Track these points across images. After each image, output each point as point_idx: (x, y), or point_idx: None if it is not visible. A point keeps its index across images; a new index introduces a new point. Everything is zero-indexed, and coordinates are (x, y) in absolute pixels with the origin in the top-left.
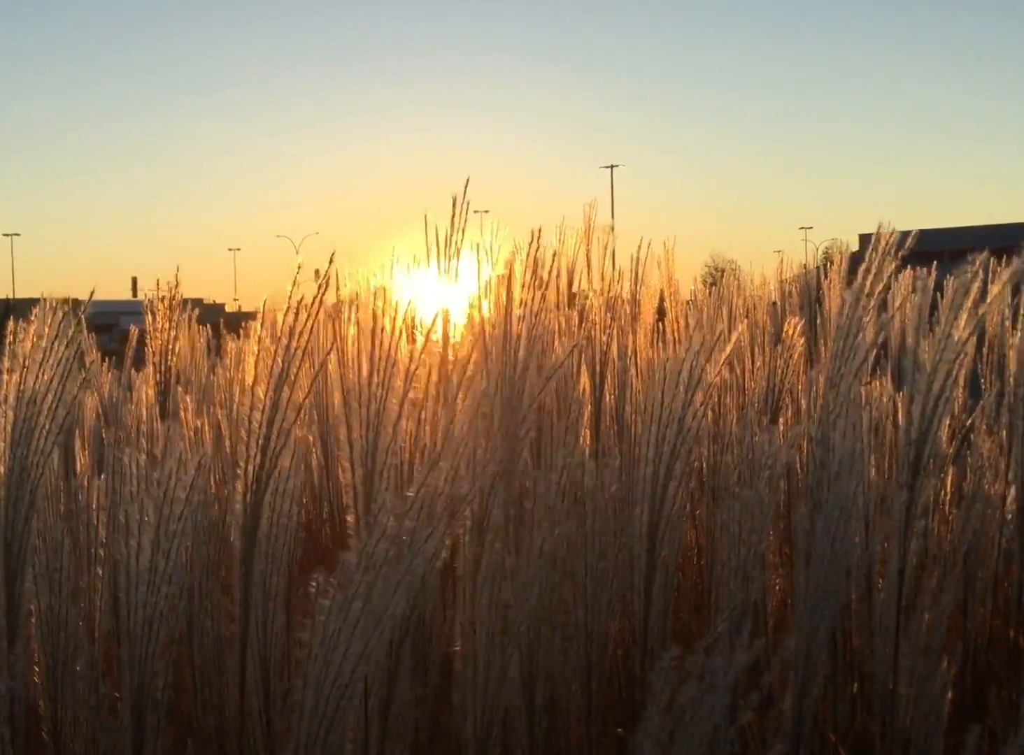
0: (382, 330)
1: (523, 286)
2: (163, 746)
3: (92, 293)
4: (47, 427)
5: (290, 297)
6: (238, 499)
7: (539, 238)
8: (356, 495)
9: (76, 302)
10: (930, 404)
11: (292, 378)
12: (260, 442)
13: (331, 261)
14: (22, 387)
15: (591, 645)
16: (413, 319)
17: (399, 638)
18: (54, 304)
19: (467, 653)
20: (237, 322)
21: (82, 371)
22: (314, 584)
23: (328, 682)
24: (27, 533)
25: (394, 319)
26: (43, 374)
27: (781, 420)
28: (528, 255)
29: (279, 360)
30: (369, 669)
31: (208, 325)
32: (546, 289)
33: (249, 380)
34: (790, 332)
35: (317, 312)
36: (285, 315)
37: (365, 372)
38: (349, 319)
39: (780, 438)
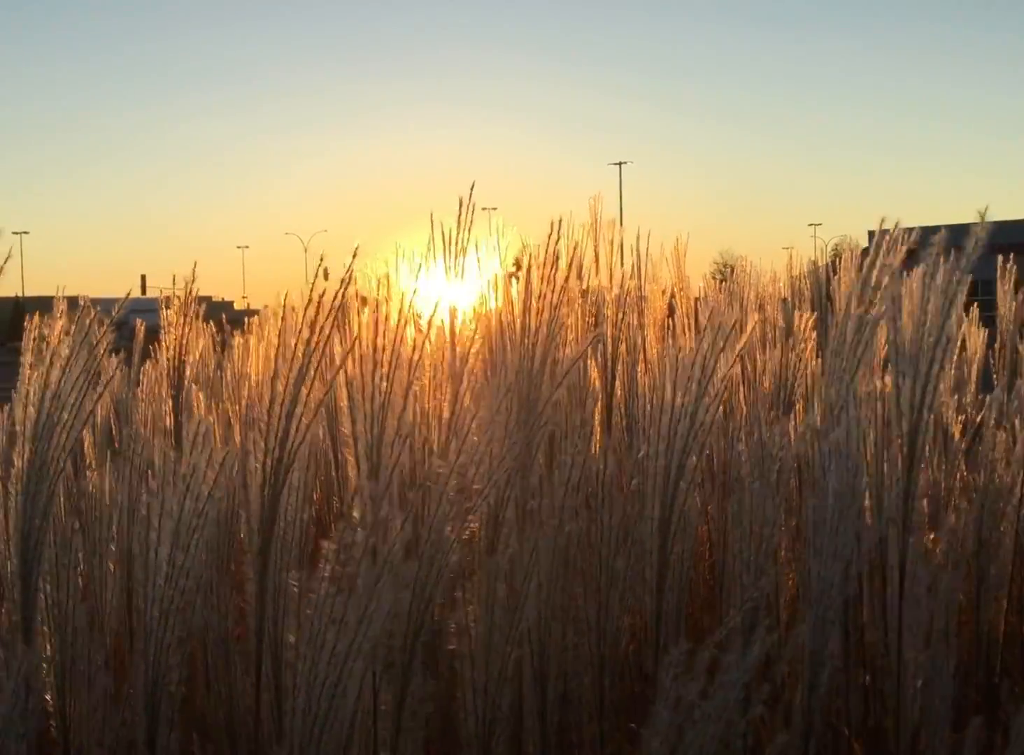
0: (385, 320)
1: (541, 279)
2: (176, 739)
3: (129, 293)
4: (69, 423)
5: (311, 292)
6: (255, 494)
7: (558, 230)
8: (363, 490)
9: (96, 301)
10: (918, 394)
11: (312, 373)
12: (279, 436)
13: (354, 255)
14: (45, 383)
15: (603, 641)
16: (416, 311)
17: (413, 632)
18: (84, 303)
19: (468, 651)
20: (240, 319)
21: (103, 368)
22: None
23: (318, 681)
24: (44, 528)
25: (399, 310)
26: (67, 371)
27: (792, 415)
28: (548, 247)
29: (299, 354)
30: (378, 666)
31: (211, 322)
32: (566, 281)
33: (268, 375)
34: (802, 326)
35: (339, 307)
36: (305, 310)
37: (368, 365)
38: (356, 314)
39: (791, 431)
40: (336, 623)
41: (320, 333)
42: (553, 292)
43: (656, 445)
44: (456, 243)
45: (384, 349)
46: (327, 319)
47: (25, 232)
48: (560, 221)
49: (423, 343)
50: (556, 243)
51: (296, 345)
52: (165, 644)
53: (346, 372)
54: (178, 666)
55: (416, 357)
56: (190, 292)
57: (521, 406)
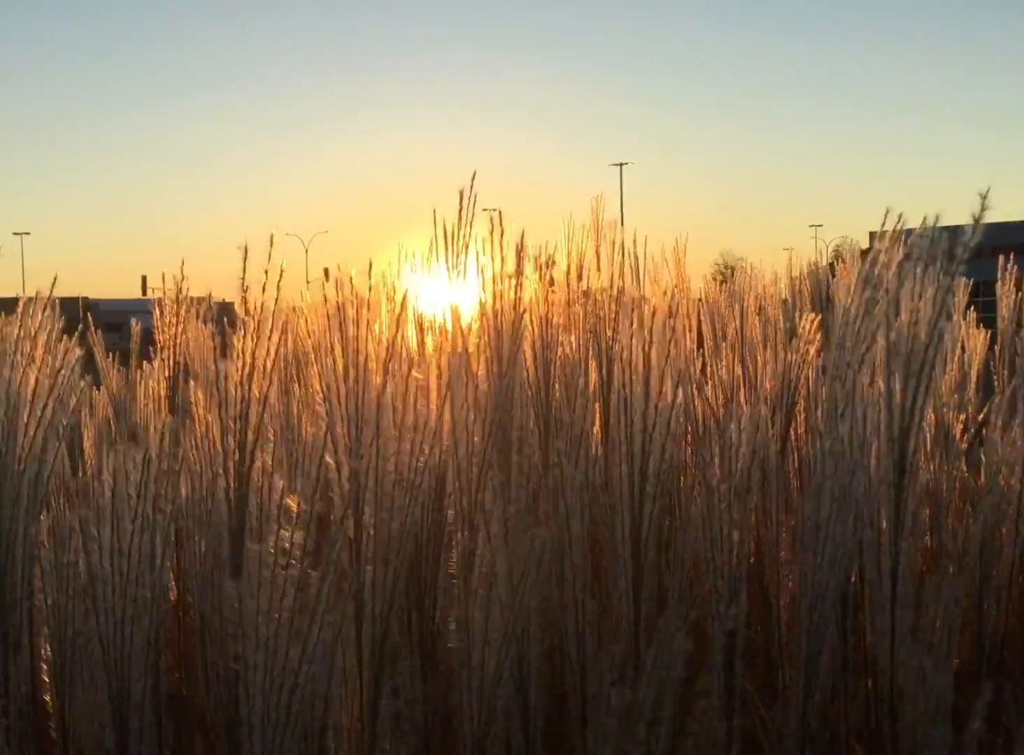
0: (353, 321)
1: (495, 278)
2: (171, 743)
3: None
4: (48, 421)
5: (245, 294)
6: (221, 497)
7: (500, 223)
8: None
9: (88, 301)
10: (909, 397)
11: (261, 371)
12: (237, 438)
13: (271, 242)
14: (23, 382)
15: (582, 648)
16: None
17: (380, 633)
18: (52, 303)
19: (463, 652)
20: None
21: (88, 367)
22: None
23: (272, 689)
24: (14, 530)
25: (368, 308)
26: (46, 369)
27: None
28: (492, 242)
29: (247, 354)
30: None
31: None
32: (520, 260)
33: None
34: (807, 327)
35: (275, 303)
36: (243, 309)
37: (340, 365)
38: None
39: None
40: (286, 627)
41: (259, 330)
42: (510, 289)
43: (628, 447)
44: (457, 239)
45: (353, 349)
46: (266, 316)
47: (26, 233)
48: (500, 213)
49: (395, 341)
50: (502, 237)
51: (244, 345)
52: (125, 654)
53: (321, 376)
54: (142, 676)
55: (388, 357)
56: (181, 290)
57: (496, 398)
